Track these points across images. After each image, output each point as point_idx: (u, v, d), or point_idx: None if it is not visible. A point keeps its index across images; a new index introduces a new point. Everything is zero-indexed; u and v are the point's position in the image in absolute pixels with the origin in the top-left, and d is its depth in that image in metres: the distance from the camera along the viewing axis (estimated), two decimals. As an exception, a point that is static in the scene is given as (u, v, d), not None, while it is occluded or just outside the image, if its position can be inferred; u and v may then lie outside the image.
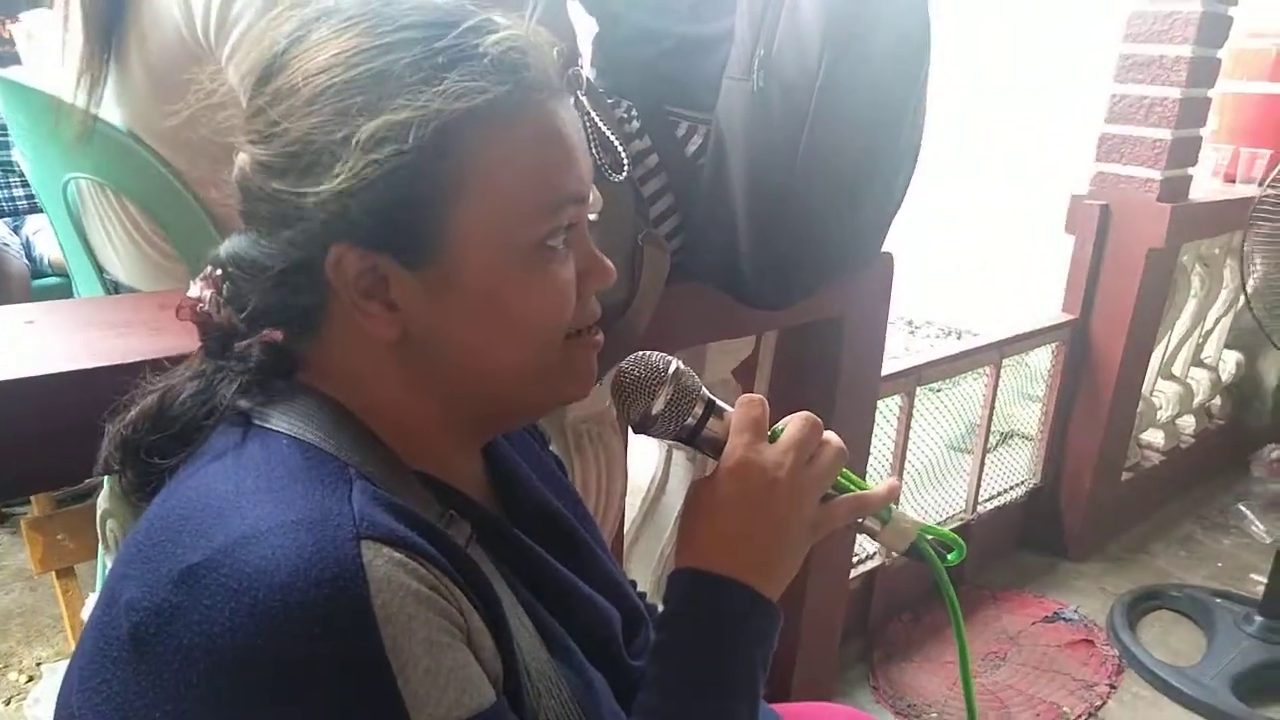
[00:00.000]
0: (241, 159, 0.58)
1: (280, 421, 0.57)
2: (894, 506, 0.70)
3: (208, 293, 0.62)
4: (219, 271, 0.61)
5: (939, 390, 2.50)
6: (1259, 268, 2.20)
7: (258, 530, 0.48)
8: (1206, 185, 2.60)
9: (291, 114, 0.54)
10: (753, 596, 0.63)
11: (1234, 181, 2.74)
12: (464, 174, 0.55)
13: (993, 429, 2.37)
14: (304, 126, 0.54)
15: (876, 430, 1.82)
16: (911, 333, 3.92)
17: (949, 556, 0.73)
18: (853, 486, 0.70)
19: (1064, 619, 2.21)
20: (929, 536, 0.71)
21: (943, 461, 2.50)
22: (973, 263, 4.17)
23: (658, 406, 0.66)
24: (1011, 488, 2.49)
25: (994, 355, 2.26)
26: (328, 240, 0.54)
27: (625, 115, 1.19)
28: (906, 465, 2.13)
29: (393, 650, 0.47)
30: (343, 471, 0.54)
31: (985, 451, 2.35)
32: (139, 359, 0.75)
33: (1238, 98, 2.82)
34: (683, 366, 0.67)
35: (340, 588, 0.47)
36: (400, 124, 0.52)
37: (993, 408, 2.32)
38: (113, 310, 0.97)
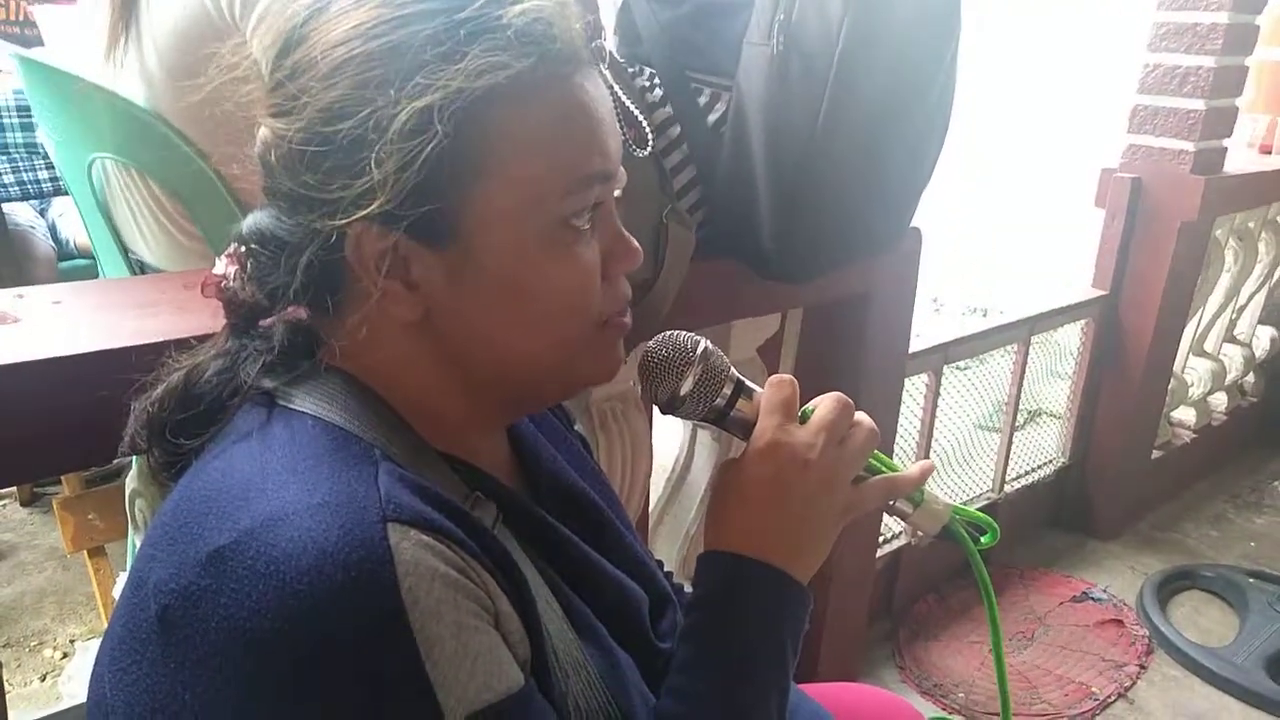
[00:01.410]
0: (263, 133, 0.57)
1: (305, 402, 0.56)
2: (926, 488, 0.68)
3: (232, 269, 0.61)
4: (242, 248, 0.60)
5: (966, 368, 2.48)
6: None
7: (284, 513, 0.48)
8: (1242, 157, 2.54)
9: (310, 88, 0.53)
10: (784, 580, 0.62)
11: (1270, 153, 2.68)
12: (486, 152, 0.54)
13: (1020, 407, 2.35)
14: (323, 100, 0.53)
15: (903, 409, 1.81)
16: (937, 310, 3.87)
17: (982, 539, 0.71)
18: (884, 468, 0.69)
19: (1093, 599, 2.19)
20: (961, 519, 0.70)
21: (970, 440, 2.47)
22: (1002, 240, 4.11)
23: (686, 387, 0.65)
24: (1040, 466, 2.47)
25: (1023, 332, 2.23)
26: (348, 219, 0.53)
27: (647, 84, 1.17)
28: (933, 444, 2.11)
29: (420, 633, 0.46)
30: (368, 453, 0.53)
31: (1013, 430, 2.32)
32: (165, 339, 0.75)
33: (1276, 65, 2.75)
34: (711, 346, 0.66)
35: (367, 571, 0.46)
36: (424, 110, 0.51)
37: (1020, 386, 2.29)
38: (139, 291, 0.97)
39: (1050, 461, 2.49)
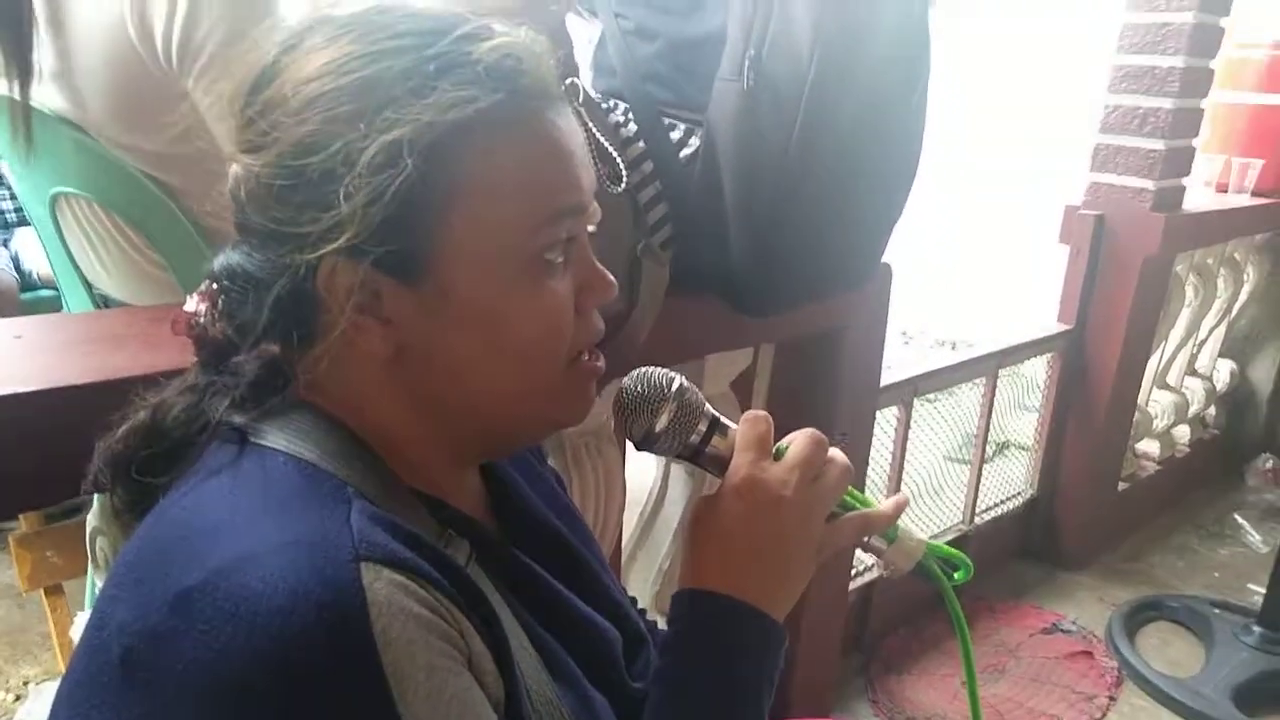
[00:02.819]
0: (234, 170, 0.57)
1: (277, 438, 0.56)
2: (900, 524, 0.68)
3: (203, 306, 0.61)
4: (214, 285, 0.59)
5: (934, 401, 2.50)
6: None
7: (255, 551, 0.47)
8: (1200, 195, 2.61)
9: (281, 123, 0.53)
10: (758, 619, 0.62)
11: (1226, 191, 2.75)
12: (457, 186, 0.54)
13: (989, 439, 2.37)
14: (294, 136, 0.53)
15: (874, 442, 1.82)
16: (906, 343, 3.92)
17: (955, 575, 0.72)
18: (858, 504, 0.69)
19: (1062, 630, 2.20)
20: (936, 555, 0.70)
21: (940, 473, 2.49)
22: (968, 273, 4.17)
23: (661, 424, 0.65)
24: (1008, 498, 2.49)
25: (990, 366, 2.26)
26: (318, 252, 0.53)
27: (621, 119, 1.18)
28: (904, 477, 2.12)
29: (393, 675, 0.46)
30: (341, 490, 0.53)
31: (983, 462, 2.34)
32: (131, 375, 0.74)
33: (1229, 108, 2.83)
34: (686, 383, 0.66)
35: (339, 611, 0.45)
36: (393, 144, 0.51)
37: (989, 419, 2.31)
38: (104, 325, 0.95)
39: (1019, 493, 2.51)
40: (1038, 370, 2.49)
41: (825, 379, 1.48)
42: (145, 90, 0.93)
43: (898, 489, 2.09)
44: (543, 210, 0.57)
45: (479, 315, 0.57)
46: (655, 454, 0.68)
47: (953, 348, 3.91)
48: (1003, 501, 2.47)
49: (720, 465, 0.66)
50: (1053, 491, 2.50)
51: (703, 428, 0.66)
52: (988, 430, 2.32)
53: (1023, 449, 2.63)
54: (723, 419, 0.67)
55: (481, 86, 0.54)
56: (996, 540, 2.41)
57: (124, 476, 0.58)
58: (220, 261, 0.59)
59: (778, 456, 0.66)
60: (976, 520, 2.34)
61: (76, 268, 1.12)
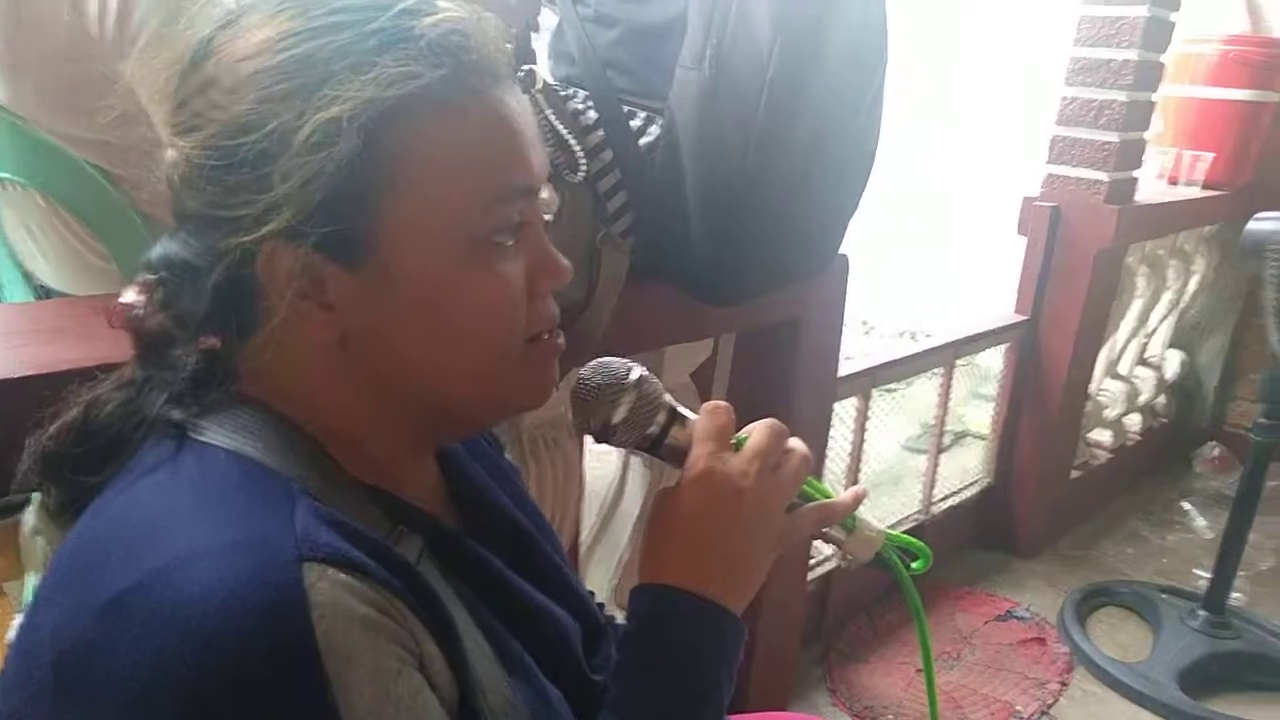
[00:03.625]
0: (169, 154, 0.55)
1: (217, 434, 0.54)
2: (859, 514, 0.68)
3: (140, 298, 0.58)
4: (152, 275, 0.57)
5: (894, 391, 2.52)
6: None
7: (192, 553, 0.45)
8: (1152, 187, 2.65)
9: (216, 103, 0.51)
10: (718, 613, 0.61)
11: (1177, 183, 2.80)
12: (400, 166, 0.52)
13: (946, 429, 2.39)
14: (228, 116, 0.51)
15: (833, 432, 1.82)
16: (866, 333, 3.95)
17: (914, 565, 0.72)
18: (817, 495, 0.69)
19: (1016, 617, 2.23)
20: (894, 544, 0.70)
21: (898, 462, 2.52)
22: (930, 263, 4.20)
23: (619, 415, 0.64)
24: (965, 487, 2.52)
25: (947, 357, 2.28)
26: (254, 235, 0.51)
27: (581, 107, 1.16)
28: (863, 466, 2.13)
29: (337, 679, 0.44)
30: (285, 487, 0.51)
31: (939, 452, 2.36)
32: (70, 368, 0.71)
33: (1179, 101, 2.88)
34: (645, 373, 0.65)
35: (280, 614, 0.44)
36: (331, 121, 0.49)
37: (946, 408, 2.33)
38: (43, 316, 0.92)
39: (975, 482, 2.54)
40: (994, 360, 2.52)
41: (784, 370, 1.48)
42: (83, 75, 0.90)
43: (857, 479, 2.10)
44: (490, 191, 0.55)
45: (426, 299, 0.55)
46: (613, 446, 0.67)
47: (913, 338, 3.95)
48: (959, 490, 2.50)
49: (679, 457, 0.66)
50: (1008, 480, 2.54)
51: (661, 419, 0.65)
52: (945, 420, 2.34)
53: (980, 438, 2.66)
54: (682, 409, 0.66)
55: (424, 63, 0.52)
56: (953, 528, 2.44)
57: (57, 475, 0.56)
58: (157, 250, 0.57)
59: (738, 447, 0.65)
60: (933, 509, 2.37)
61: (15, 257, 1.08)
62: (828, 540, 0.70)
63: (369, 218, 0.52)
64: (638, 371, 0.65)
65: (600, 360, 0.65)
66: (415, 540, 0.57)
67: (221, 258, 0.53)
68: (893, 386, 2.39)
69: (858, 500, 0.68)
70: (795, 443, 0.67)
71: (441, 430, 0.63)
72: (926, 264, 4.05)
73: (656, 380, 0.66)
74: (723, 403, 0.66)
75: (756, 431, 0.66)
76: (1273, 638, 2.15)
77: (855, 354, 3.08)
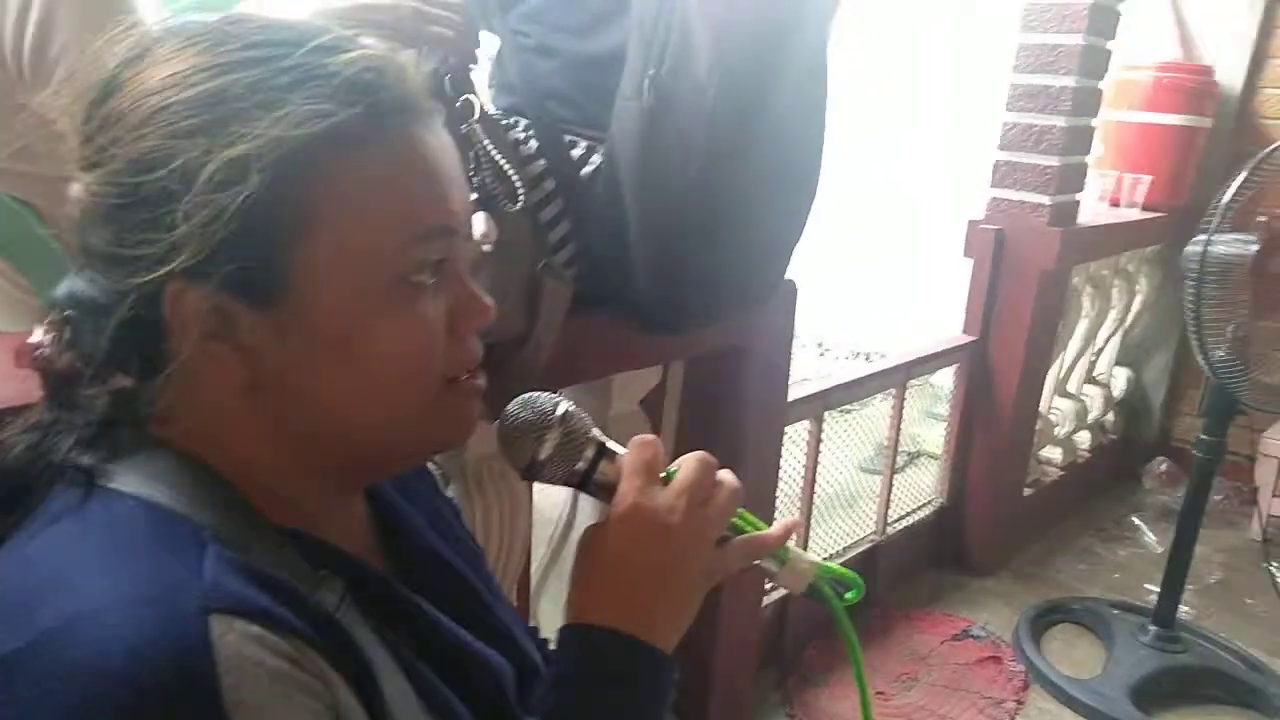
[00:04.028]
0: (75, 189, 0.53)
1: (126, 480, 0.52)
2: (791, 546, 0.68)
3: (49, 336, 0.57)
4: (59, 314, 0.56)
5: (849, 412, 2.54)
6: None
7: (92, 608, 0.44)
8: (1094, 209, 2.71)
9: (120, 139, 0.50)
10: (645, 651, 0.61)
11: (1119, 205, 2.87)
12: (311, 204, 0.51)
13: (901, 449, 2.41)
14: (133, 151, 0.50)
15: (787, 455, 1.83)
16: (821, 355, 3.98)
17: (847, 595, 0.71)
18: (749, 527, 0.68)
19: (972, 636, 2.24)
20: (827, 576, 0.70)
21: (854, 484, 2.53)
22: (886, 285, 4.25)
23: (545, 452, 0.63)
24: (920, 507, 2.53)
25: (899, 378, 2.30)
26: (157, 274, 0.50)
27: (521, 136, 1.16)
28: (818, 489, 2.14)
29: (244, 735, 0.43)
30: (195, 535, 0.49)
31: (894, 472, 2.38)
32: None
33: (1119, 126, 2.96)
34: (572, 408, 0.65)
35: (183, 670, 0.42)
36: (238, 159, 0.48)
37: (899, 429, 2.35)
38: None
39: (930, 502, 2.56)
40: (947, 380, 2.55)
41: (733, 396, 1.49)
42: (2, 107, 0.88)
43: (811, 502, 2.11)
44: (406, 231, 0.54)
45: (339, 340, 0.54)
46: (542, 482, 0.66)
47: (868, 358, 3.99)
48: (914, 510, 2.51)
49: (609, 492, 0.65)
50: (961, 499, 2.56)
51: (589, 454, 0.64)
52: (897, 441, 2.36)
53: (935, 458, 2.68)
54: (610, 444, 0.66)
55: (337, 100, 0.51)
56: (909, 549, 2.46)
57: (-42, 523, 0.54)
58: (64, 288, 0.55)
59: (668, 480, 0.65)
60: (889, 530, 2.38)
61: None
62: (762, 572, 0.69)
63: (280, 258, 0.51)
64: (564, 406, 0.64)
65: (527, 395, 0.65)
66: (336, 585, 0.56)
67: (126, 296, 0.51)
68: (849, 408, 2.40)
69: (788, 532, 0.68)
70: (725, 475, 0.67)
71: (361, 471, 0.62)
72: (889, 279, 4.09)
73: (584, 415, 0.65)
74: (650, 436, 0.66)
75: (685, 465, 0.65)
76: (1221, 651, 2.18)
77: (812, 375, 3.11)
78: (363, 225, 0.53)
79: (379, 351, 0.54)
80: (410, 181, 0.55)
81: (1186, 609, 2.31)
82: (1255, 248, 1.79)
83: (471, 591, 0.71)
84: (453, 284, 0.58)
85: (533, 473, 0.65)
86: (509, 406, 0.64)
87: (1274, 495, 2.87)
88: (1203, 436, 2.01)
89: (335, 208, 0.52)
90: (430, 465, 0.81)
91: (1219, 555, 2.71)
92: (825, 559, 0.72)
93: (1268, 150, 1.83)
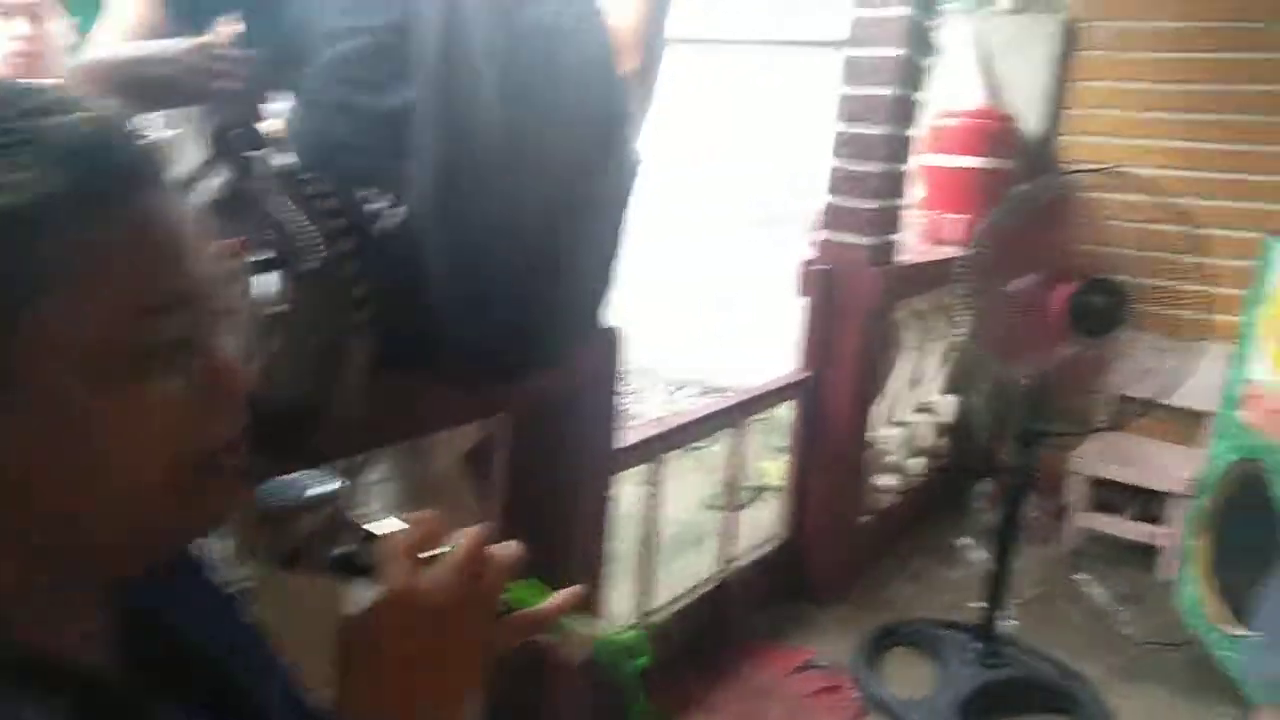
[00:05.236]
0: None
1: None
2: (566, 621, 0.67)
3: None
4: None
5: (697, 449, 2.57)
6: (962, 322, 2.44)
7: None
8: (918, 248, 2.87)
9: None
10: None
11: (942, 243, 3.05)
12: (21, 281, 0.47)
13: (747, 485, 2.46)
14: None
15: (629, 498, 1.83)
16: (672, 394, 4.03)
17: (635, 663, 0.71)
18: (530, 600, 0.67)
19: (815, 667, 2.30)
20: (611, 647, 0.69)
21: (700, 521, 2.56)
22: (737, 323, 4.35)
23: (298, 540, 0.60)
24: (764, 541, 2.59)
25: (737, 415, 2.35)
26: None
27: (319, 193, 1.13)
28: (665, 528, 2.15)
29: None
30: None
31: (737, 508, 2.42)
32: None
33: (937, 169, 3.16)
34: (326, 490, 0.62)
35: None
36: None
37: (738, 467, 2.40)
38: None
39: (774, 535, 2.62)
40: (788, 415, 2.62)
41: (561, 446, 1.48)
42: None
43: (652, 544, 2.11)
44: (132, 304, 0.50)
45: (62, 426, 0.49)
46: (303, 574, 0.63)
47: (720, 395, 4.06)
48: (759, 545, 2.56)
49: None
50: (801, 531, 2.64)
51: (348, 540, 0.62)
52: (739, 478, 2.41)
53: (778, 492, 2.75)
54: (370, 526, 0.64)
55: (44, 169, 0.47)
56: (754, 583, 2.50)
57: None
58: None
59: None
60: (733, 565, 2.42)
61: None
62: (548, 645, 0.68)
63: None
64: (320, 489, 0.62)
65: (280, 479, 0.62)
66: (58, 703, 0.51)
67: None
68: (698, 445, 2.44)
69: (566, 604, 0.67)
70: (499, 548, 0.65)
71: (98, 571, 0.57)
72: (734, 324, 4.19)
73: (341, 497, 0.63)
74: (424, 513, 0.64)
75: (458, 541, 0.64)
76: (1040, 662, 2.32)
77: (666, 415, 3.14)
78: (86, 298, 0.49)
79: (111, 436, 0.50)
80: (136, 252, 0.51)
81: (1012, 623, 2.44)
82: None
83: (244, 693, 0.67)
84: (200, 355, 0.55)
85: (291, 563, 0.61)
86: (256, 494, 0.61)
87: (1081, 510, 3.10)
88: (1011, 460, 2.15)
89: (50, 283, 0.48)
90: (195, 549, 0.76)
91: (1039, 569, 2.88)
92: (630, 625, 0.71)
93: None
